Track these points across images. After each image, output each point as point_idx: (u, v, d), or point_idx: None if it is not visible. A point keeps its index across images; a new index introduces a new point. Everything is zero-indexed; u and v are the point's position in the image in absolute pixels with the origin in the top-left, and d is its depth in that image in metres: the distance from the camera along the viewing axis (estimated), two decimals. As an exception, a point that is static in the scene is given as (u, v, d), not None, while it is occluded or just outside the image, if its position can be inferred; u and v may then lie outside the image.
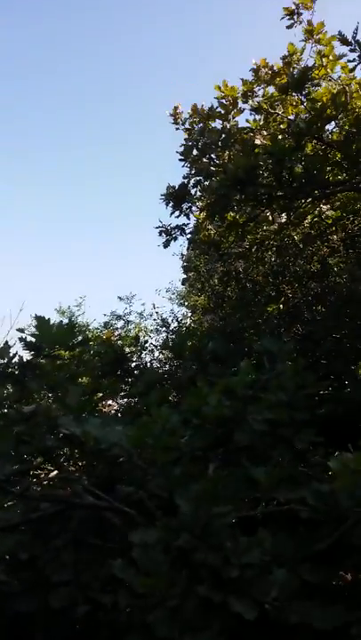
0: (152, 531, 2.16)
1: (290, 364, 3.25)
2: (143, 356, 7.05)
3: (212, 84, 6.61)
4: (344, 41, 4.28)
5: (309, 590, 2.01)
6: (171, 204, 6.24)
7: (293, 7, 5.32)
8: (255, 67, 5.98)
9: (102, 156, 47.47)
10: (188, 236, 6.75)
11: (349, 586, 2.33)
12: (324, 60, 5.11)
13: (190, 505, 2.24)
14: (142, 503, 2.55)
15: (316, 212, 5.71)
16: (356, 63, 4.29)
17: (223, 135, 5.84)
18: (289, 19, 5.39)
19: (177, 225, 6.43)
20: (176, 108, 6.64)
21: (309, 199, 5.15)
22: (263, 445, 2.89)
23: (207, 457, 2.96)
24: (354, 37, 4.20)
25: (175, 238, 6.51)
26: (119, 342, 6.33)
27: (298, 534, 2.28)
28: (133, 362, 6.17)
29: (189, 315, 10.20)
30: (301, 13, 5.29)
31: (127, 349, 6.25)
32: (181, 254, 9.48)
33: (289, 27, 5.43)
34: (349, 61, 4.38)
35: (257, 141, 5.47)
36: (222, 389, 3.01)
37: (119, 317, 11.28)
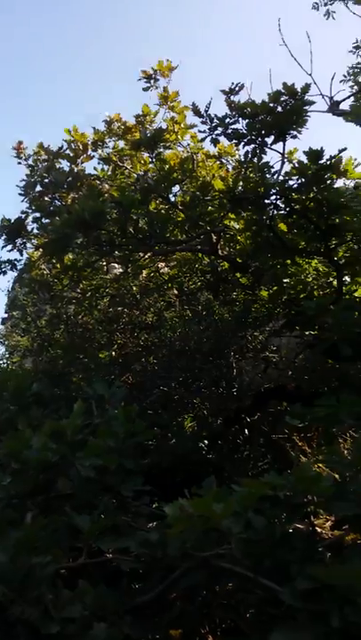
0: None
1: (121, 409, 3.19)
2: None
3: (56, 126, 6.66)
4: (197, 112, 4.59)
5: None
6: (3, 237, 5.98)
7: (151, 72, 5.64)
8: (108, 119, 6.18)
9: None
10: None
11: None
12: (175, 126, 5.45)
13: (7, 554, 2.00)
14: None
15: (153, 266, 5.88)
16: (205, 135, 4.61)
17: (70, 178, 5.83)
18: (146, 81, 5.70)
19: (8, 259, 6.16)
20: (20, 142, 6.55)
21: (149, 254, 5.29)
22: (88, 493, 2.74)
23: (25, 504, 2.72)
24: (206, 111, 4.53)
25: (4, 272, 6.21)
26: None
27: (121, 586, 2.16)
28: None
29: (7, 355, 9.64)
30: (158, 79, 5.63)
31: None
32: (8, 291, 9.06)
33: (145, 89, 5.74)
34: (200, 132, 4.70)
35: (104, 189, 5.55)
36: (49, 432, 2.84)
37: None
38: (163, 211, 5.29)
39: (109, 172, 6.25)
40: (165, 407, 4.51)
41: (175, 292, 5.78)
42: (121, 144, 6.24)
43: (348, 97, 4.92)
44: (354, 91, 4.86)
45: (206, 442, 4.60)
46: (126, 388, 4.60)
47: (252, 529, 1.88)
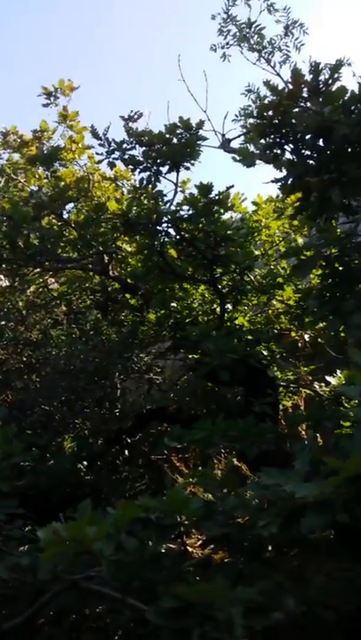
0: None
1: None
2: None
3: None
4: (95, 134, 4.64)
5: None
6: None
7: (52, 89, 5.63)
8: (4, 131, 6.06)
9: None
10: None
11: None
12: (73, 145, 5.47)
13: None
14: None
15: (42, 282, 5.80)
16: (103, 157, 4.68)
17: None
18: (46, 98, 5.67)
19: None
20: None
21: (39, 269, 5.22)
22: None
23: None
24: (104, 134, 4.61)
25: None
26: None
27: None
28: None
29: None
30: (59, 97, 5.63)
31: None
32: None
33: (45, 105, 5.72)
34: (97, 154, 4.76)
35: (-5, 201, 5.41)
36: None
37: None
38: (55, 227, 5.26)
39: (2, 184, 6.10)
40: (46, 427, 4.43)
41: (64, 309, 5.73)
42: (16, 157, 6.13)
43: (239, 136, 5.23)
44: (244, 131, 5.16)
45: (85, 463, 4.58)
46: (5, 407, 4.47)
47: (123, 550, 1.93)
